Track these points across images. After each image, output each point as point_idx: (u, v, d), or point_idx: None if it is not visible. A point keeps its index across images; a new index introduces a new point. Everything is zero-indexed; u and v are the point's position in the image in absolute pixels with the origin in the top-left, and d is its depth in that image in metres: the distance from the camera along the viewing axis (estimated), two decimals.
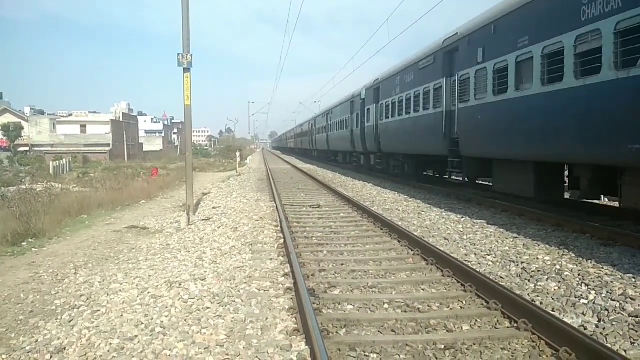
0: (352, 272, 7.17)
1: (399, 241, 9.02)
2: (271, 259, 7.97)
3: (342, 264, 7.64)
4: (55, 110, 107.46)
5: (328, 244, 9.13)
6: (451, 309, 5.67)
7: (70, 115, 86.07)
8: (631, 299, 5.52)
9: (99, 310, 6.25)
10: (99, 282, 7.93)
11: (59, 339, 5.42)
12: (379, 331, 5.03)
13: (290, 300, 5.87)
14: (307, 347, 4.51)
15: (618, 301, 5.48)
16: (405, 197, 15.78)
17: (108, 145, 75.28)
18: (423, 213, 12.38)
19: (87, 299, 6.99)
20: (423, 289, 6.40)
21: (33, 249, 11.20)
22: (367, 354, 4.50)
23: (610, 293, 5.75)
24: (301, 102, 73.27)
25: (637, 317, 5.02)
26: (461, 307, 5.71)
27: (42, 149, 70.59)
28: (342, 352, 4.50)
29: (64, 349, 5.11)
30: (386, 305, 5.75)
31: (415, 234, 9.33)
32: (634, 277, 6.26)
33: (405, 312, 5.55)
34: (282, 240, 9.12)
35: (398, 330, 5.04)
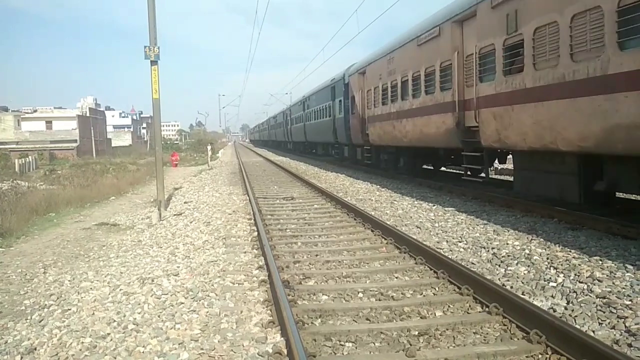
0: (327, 263, 7.19)
1: (372, 230, 9.07)
2: (245, 252, 7.93)
3: (317, 255, 7.66)
4: (19, 106, 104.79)
5: (302, 236, 9.13)
6: (424, 295, 5.74)
7: (35, 111, 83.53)
8: (598, 280, 5.67)
9: (69, 309, 6.13)
10: (69, 280, 7.79)
11: (29, 340, 5.31)
12: (353, 320, 5.05)
13: (265, 293, 5.85)
14: (282, 338, 4.51)
15: (586, 283, 5.62)
16: (378, 186, 15.86)
17: (75, 141, 73.52)
18: (395, 202, 12.47)
19: (58, 298, 6.86)
20: (397, 277, 6.46)
21: (0, 249, 10.93)
22: (342, 343, 4.52)
23: (578, 275, 5.89)
24: (272, 94, 72.57)
25: (604, 298, 5.15)
26: (434, 294, 5.78)
27: (6, 146, 68.58)
28: (318, 342, 4.52)
29: (35, 349, 5.01)
30: (360, 295, 5.79)
31: (388, 223, 9.39)
32: (600, 260, 6.43)
33: (380, 300, 5.60)
34: (255, 233, 9.09)
35: (372, 318, 5.08)
